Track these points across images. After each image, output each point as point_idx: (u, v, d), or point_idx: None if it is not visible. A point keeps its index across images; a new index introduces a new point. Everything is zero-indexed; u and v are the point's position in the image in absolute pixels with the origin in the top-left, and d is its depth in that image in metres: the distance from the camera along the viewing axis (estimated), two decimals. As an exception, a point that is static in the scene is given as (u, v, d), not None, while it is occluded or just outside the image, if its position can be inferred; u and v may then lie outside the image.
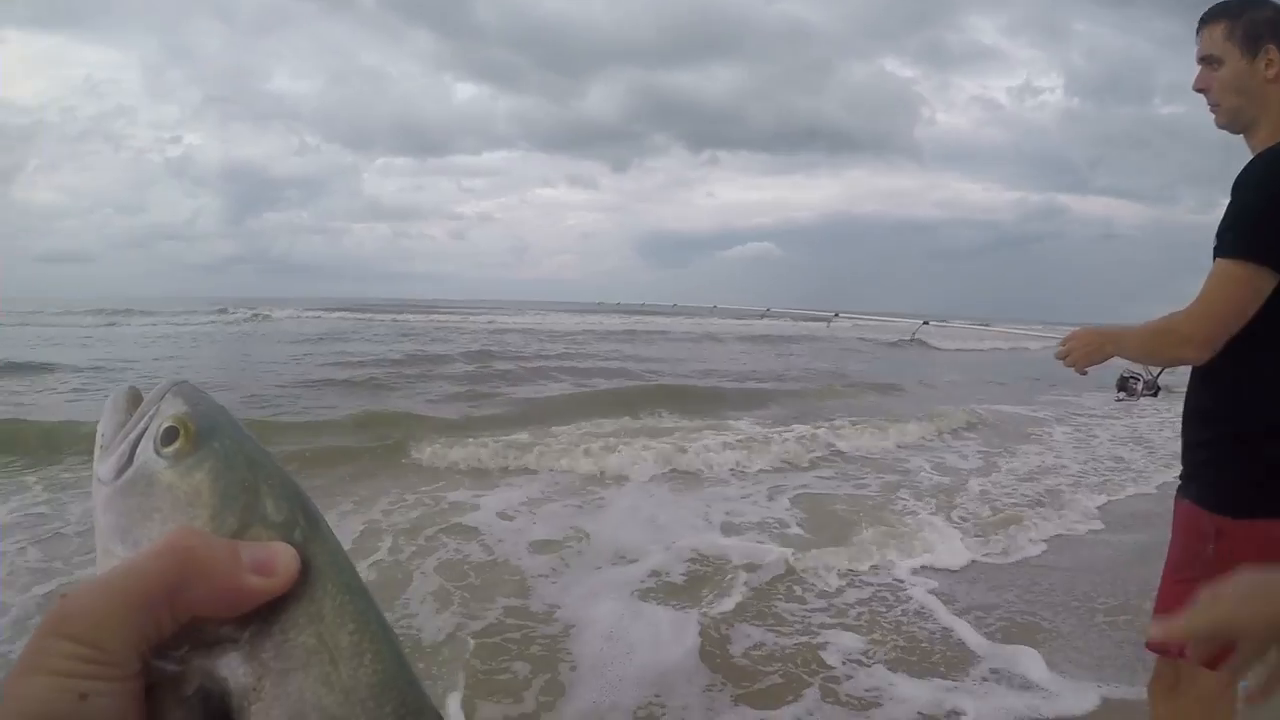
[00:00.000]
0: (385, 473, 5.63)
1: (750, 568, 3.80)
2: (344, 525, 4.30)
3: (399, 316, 30.54)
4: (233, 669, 0.31)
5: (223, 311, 30.80)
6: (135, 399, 0.39)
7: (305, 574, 0.33)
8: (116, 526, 0.35)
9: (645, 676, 2.77)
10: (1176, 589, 1.60)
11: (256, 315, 28.13)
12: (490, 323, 28.23)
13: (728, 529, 4.57)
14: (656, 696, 2.64)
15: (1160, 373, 2.17)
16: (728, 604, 3.39)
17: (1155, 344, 1.64)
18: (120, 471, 0.36)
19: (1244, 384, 1.51)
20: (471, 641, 2.99)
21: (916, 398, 11.04)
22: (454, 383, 10.65)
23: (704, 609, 3.33)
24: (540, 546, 4.15)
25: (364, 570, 3.67)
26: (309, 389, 9.72)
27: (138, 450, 0.36)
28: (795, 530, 4.60)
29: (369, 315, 30.69)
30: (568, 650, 2.96)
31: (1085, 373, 1.71)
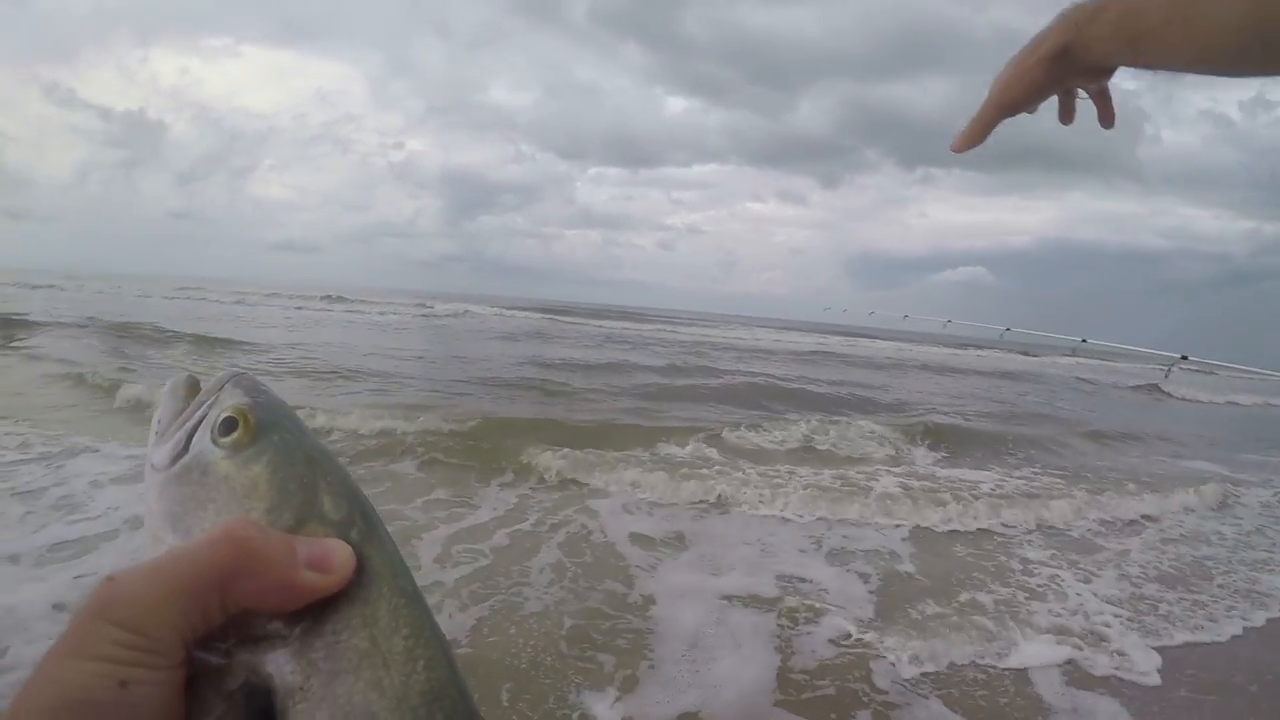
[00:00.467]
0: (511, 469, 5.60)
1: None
2: (500, 496, 4.82)
3: (601, 322, 31.76)
4: (279, 666, 0.30)
5: (423, 305, 32.77)
6: (194, 387, 0.39)
7: (361, 575, 0.32)
8: (168, 514, 0.34)
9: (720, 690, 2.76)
10: None
11: (465, 312, 29.64)
12: (698, 335, 28.02)
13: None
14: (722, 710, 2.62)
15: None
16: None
17: None
18: (175, 459, 0.36)
19: None
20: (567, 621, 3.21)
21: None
22: (632, 397, 9.95)
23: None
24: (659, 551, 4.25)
25: (500, 537, 4.06)
26: (484, 385, 9.85)
27: (194, 439, 0.36)
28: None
29: (572, 318, 32.18)
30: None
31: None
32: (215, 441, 0.35)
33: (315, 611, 0.31)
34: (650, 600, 3.47)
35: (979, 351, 29.82)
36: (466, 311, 30.39)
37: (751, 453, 6.90)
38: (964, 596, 3.84)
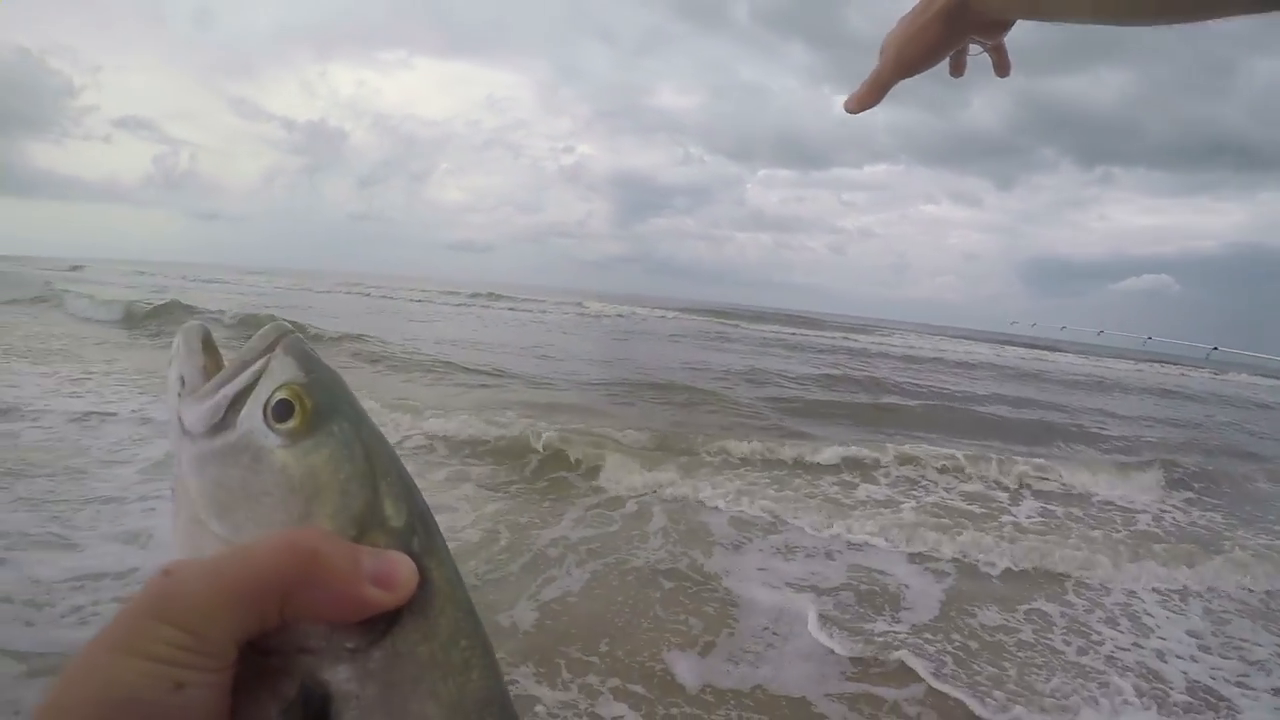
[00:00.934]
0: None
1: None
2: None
3: (766, 327, 31.54)
4: (336, 674, 0.30)
5: (580, 305, 33.59)
6: (209, 341, 0.36)
7: (421, 587, 0.32)
8: (214, 499, 0.33)
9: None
10: None
11: (621, 314, 29.89)
12: (874, 343, 27.05)
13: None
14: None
15: None
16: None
17: None
18: (215, 429, 0.34)
19: None
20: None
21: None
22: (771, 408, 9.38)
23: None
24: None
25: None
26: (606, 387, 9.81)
27: (242, 414, 0.34)
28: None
29: (736, 322, 32.09)
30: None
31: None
32: (270, 426, 0.33)
33: (377, 622, 0.31)
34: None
35: (1183, 370, 26.99)
36: (632, 312, 30.84)
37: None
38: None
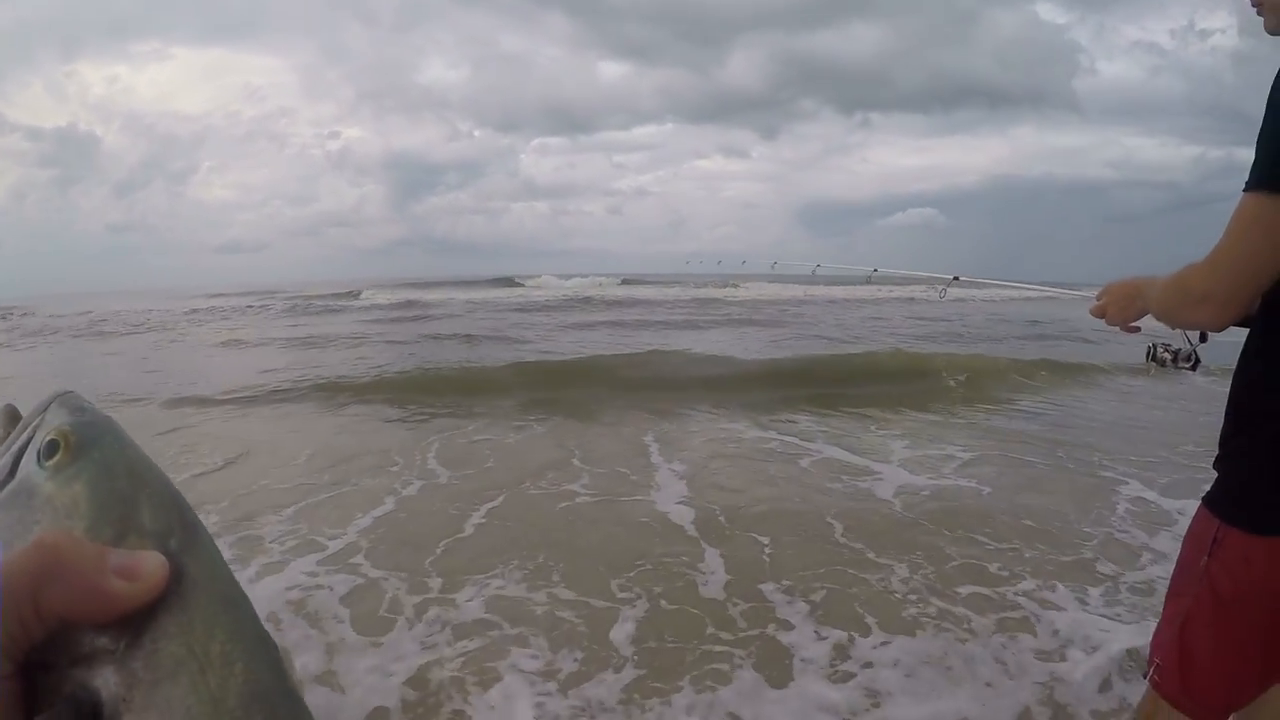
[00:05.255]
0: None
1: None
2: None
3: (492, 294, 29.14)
4: (106, 679, 0.31)
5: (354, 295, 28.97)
6: (14, 415, 0.40)
7: (178, 584, 0.32)
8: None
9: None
10: (1168, 605, 1.35)
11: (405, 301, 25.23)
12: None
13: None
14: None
15: (1201, 339, 1.68)
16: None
17: (1171, 301, 1.27)
18: (2, 484, 0.36)
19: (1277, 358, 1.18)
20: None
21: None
22: None
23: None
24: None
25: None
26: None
27: (21, 463, 0.36)
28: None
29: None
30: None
31: (1134, 329, 1.44)
32: (40, 464, 0.35)
33: (136, 624, 0.31)
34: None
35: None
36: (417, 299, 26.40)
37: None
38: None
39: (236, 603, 0.35)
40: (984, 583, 3.28)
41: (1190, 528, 1.33)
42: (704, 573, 3.41)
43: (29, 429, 0.38)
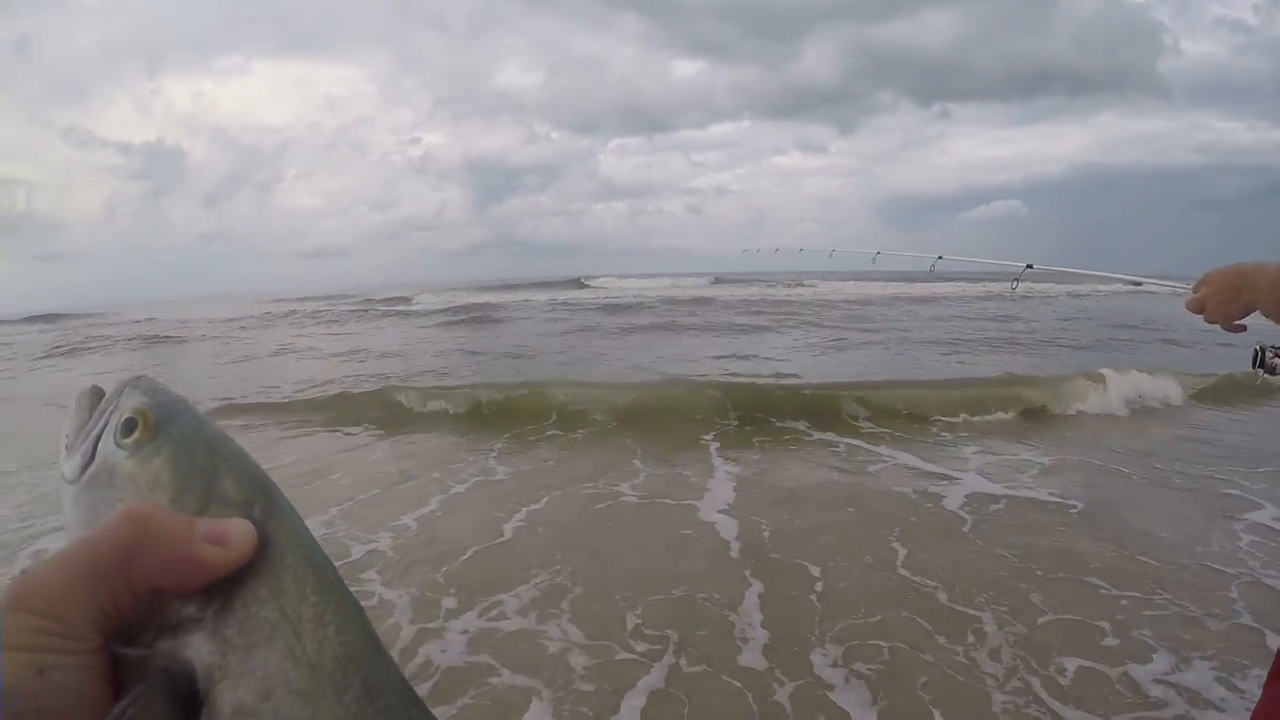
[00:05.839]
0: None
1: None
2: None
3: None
4: (197, 649, 0.31)
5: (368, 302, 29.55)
6: (98, 397, 0.39)
7: (265, 549, 0.33)
8: (84, 522, 0.35)
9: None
10: (1270, 686, 1.09)
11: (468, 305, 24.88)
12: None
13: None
14: None
15: None
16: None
17: None
18: (84, 469, 0.36)
19: None
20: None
21: None
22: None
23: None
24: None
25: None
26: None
27: (99, 446, 0.36)
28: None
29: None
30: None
31: (1239, 328, 1.18)
32: (118, 444, 0.36)
33: (226, 589, 0.31)
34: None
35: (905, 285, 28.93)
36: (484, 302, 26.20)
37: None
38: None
39: (323, 566, 0.35)
40: (1095, 656, 2.55)
41: None
42: (741, 625, 2.83)
43: (105, 414, 0.38)
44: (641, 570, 3.34)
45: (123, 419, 0.36)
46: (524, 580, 3.24)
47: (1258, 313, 1.13)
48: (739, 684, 2.44)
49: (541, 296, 28.73)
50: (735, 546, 3.62)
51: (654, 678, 2.47)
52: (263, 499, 0.35)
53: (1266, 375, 1.50)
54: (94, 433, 0.37)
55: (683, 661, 2.56)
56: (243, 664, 0.30)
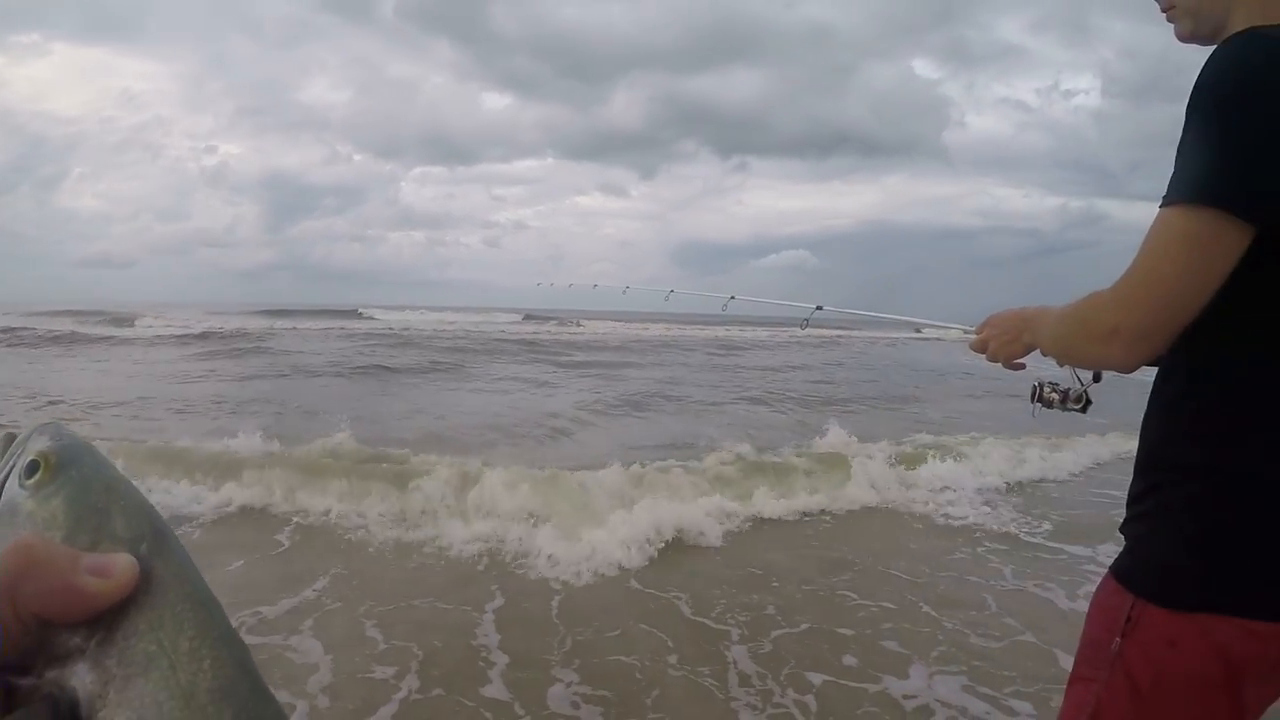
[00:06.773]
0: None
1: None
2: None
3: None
4: (81, 678, 0.32)
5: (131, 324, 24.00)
6: (9, 442, 0.41)
7: (148, 584, 0.34)
8: None
9: None
10: (1072, 690, 1.12)
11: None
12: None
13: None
14: None
15: (1094, 379, 1.35)
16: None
17: (1069, 336, 1.09)
18: None
19: (1203, 404, 1.00)
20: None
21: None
22: None
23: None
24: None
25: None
26: None
27: (5, 486, 0.38)
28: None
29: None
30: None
31: (1020, 366, 1.24)
32: (21, 484, 0.37)
33: (109, 622, 0.32)
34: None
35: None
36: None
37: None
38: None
39: (205, 603, 0.36)
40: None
41: (1096, 598, 1.12)
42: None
43: (14, 456, 0.40)
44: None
45: (27, 461, 0.38)
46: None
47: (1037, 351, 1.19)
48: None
49: (313, 325, 25.42)
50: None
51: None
52: (151, 536, 0.36)
53: (1044, 408, 1.51)
54: (2, 474, 0.39)
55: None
56: (120, 694, 0.31)
